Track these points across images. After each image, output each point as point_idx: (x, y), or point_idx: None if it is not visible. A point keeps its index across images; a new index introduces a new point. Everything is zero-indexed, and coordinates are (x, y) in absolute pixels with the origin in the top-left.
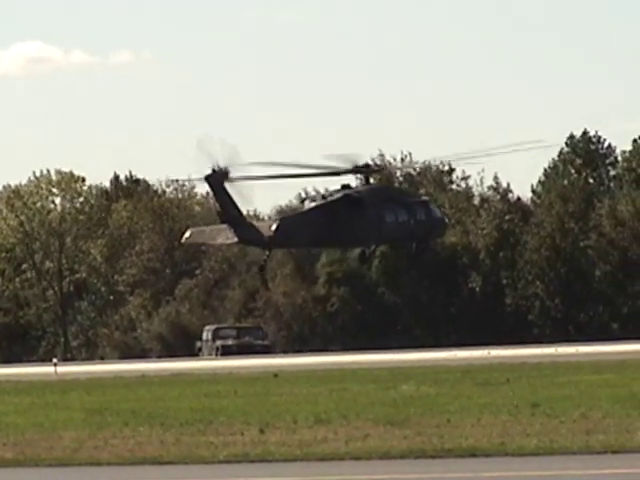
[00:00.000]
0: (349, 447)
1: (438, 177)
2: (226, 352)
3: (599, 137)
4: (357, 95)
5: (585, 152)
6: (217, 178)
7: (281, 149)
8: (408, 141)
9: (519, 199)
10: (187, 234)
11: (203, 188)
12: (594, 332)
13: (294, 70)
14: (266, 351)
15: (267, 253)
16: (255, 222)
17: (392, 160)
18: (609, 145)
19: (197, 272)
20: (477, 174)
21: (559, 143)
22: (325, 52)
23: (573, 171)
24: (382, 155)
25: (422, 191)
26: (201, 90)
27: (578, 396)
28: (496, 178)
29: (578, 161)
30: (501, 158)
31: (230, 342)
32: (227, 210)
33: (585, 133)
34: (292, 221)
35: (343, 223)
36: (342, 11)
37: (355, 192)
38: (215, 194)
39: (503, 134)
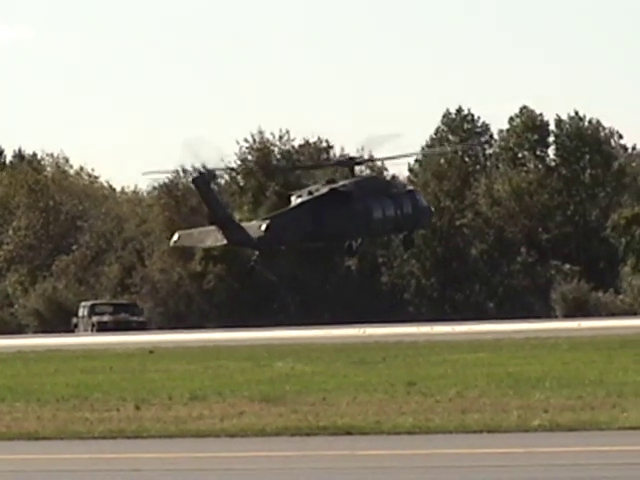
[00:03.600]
0: (224, 424)
1: (316, 154)
2: (102, 328)
3: (473, 115)
4: (236, 74)
5: (461, 130)
6: (204, 180)
7: (153, 129)
8: (286, 118)
9: (394, 177)
10: (175, 237)
11: (77, 163)
12: (470, 311)
13: (169, 45)
14: (142, 327)
15: (256, 253)
16: (244, 223)
17: (271, 137)
18: (484, 123)
19: (74, 248)
20: (356, 152)
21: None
22: (202, 29)
23: (449, 149)
24: (261, 132)
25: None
26: (81, 68)
27: (454, 375)
28: (372, 156)
29: (454, 139)
30: (379, 136)
31: (106, 318)
32: (215, 211)
33: (459, 111)
34: (281, 220)
35: (331, 218)
36: None
37: (341, 186)
38: (202, 196)
39: (381, 110)
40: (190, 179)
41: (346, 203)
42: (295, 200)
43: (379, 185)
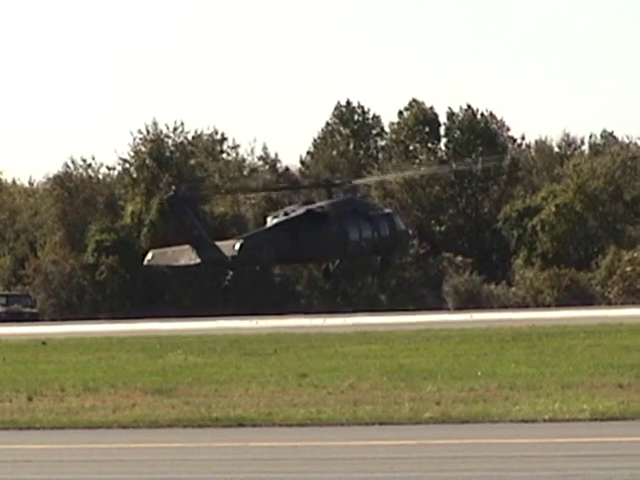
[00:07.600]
0: (116, 415)
1: (210, 146)
2: None
3: (363, 107)
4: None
5: (352, 122)
6: (179, 198)
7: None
8: (181, 110)
9: (287, 169)
10: (149, 256)
11: None
12: (362, 303)
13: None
14: (34, 319)
15: (230, 272)
16: (218, 242)
17: (165, 128)
18: (375, 116)
19: None
20: (248, 144)
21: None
22: (101, 19)
23: (341, 140)
24: (155, 124)
25: (193, 161)
26: None
27: (346, 367)
28: (265, 148)
29: (345, 131)
30: (271, 128)
31: None
32: (190, 230)
33: (349, 103)
34: (255, 239)
35: (307, 239)
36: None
37: (318, 207)
38: (177, 215)
39: (272, 102)
40: (165, 198)
41: (322, 224)
42: (271, 220)
43: (356, 207)
